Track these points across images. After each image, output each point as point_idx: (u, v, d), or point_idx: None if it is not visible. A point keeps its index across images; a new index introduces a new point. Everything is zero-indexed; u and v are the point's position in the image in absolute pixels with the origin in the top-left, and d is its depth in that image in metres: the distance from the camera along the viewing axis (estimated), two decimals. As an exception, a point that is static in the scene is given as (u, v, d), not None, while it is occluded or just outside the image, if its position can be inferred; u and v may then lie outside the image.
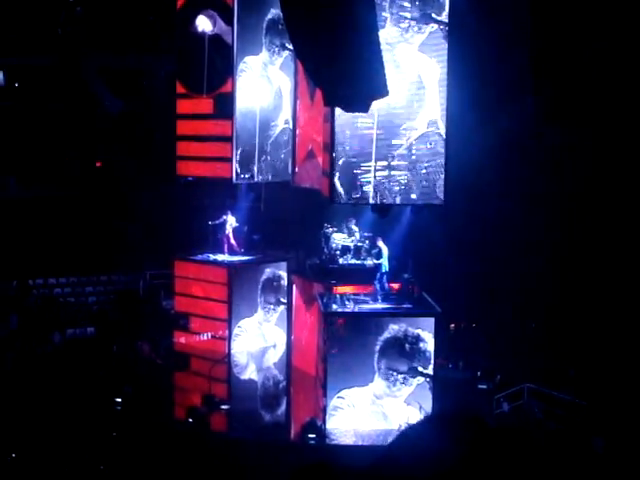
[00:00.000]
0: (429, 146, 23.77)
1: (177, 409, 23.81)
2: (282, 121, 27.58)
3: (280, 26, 26.39)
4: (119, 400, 22.81)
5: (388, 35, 22.32)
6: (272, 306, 27.76)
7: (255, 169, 27.23)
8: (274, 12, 26.63)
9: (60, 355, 26.85)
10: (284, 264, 28.13)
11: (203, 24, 26.51)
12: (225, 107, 26.75)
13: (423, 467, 3.18)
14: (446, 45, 23.08)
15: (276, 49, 27.20)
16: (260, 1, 26.64)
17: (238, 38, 26.49)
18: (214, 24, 26.50)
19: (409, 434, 3.45)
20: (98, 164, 33.57)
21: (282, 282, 27.91)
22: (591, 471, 18.84)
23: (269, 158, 27.45)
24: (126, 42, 30.76)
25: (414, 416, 21.23)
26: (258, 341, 27.59)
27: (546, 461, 3.24)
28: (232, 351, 26.90)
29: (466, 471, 3.10)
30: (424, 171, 23.48)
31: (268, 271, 27.90)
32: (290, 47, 25.98)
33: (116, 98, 31.23)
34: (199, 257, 28.03)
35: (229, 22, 26.47)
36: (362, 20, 8.20)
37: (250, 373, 26.94)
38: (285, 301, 27.64)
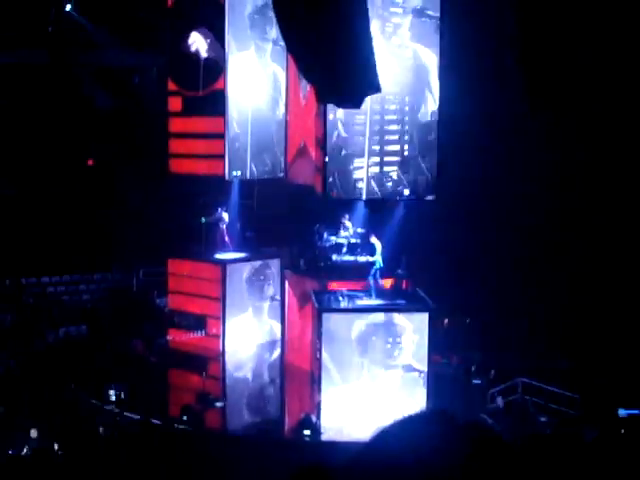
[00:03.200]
0: (422, 141, 23.82)
1: (171, 407, 23.78)
2: (279, 114, 27.38)
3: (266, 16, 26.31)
4: (113, 398, 22.79)
5: (380, 27, 22.33)
6: (258, 302, 27.57)
7: (248, 166, 27.19)
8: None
9: (54, 353, 26.81)
10: (276, 261, 28.03)
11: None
12: (218, 104, 26.73)
13: (419, 464, 3.16)
14: (438, 36, 23.13)
15: (263, 42, 27.05)
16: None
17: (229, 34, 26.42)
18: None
19: (407, 427, 3.43)
20: (90, 162, 33.50)
21: (268, 274, 27.64)
22: (582, 464, 18.86)
23: (265, 155, 27.39)
24: (117, 39, 30.69)
25: (409, 410, 21.21)
26: (252, 338, 27.54)
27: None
28: (226, 348, 26.87)
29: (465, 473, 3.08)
30: (417, 166, 23.53)
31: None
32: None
33: (106, 95, 31.17)
34: (192, 254, 27.98)
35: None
36: (353, 15, 8.18)
37: (244, 370, 26.91)
38: (272, 295, 27.43)
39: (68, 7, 29.40)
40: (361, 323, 22.37)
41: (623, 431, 19.83)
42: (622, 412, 20.47)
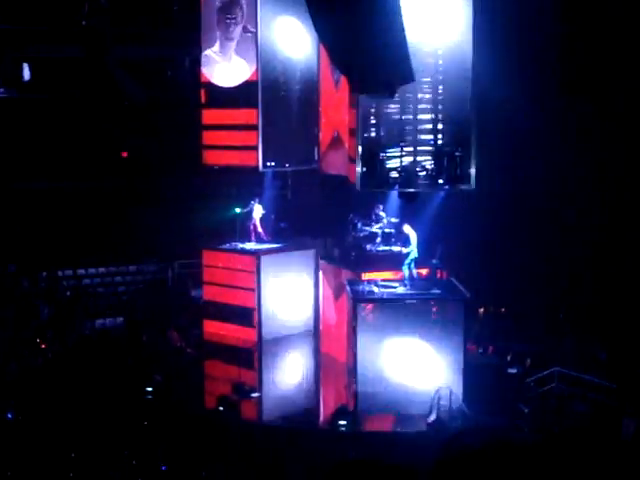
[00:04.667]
0: (456, 130, 23.75)
1: (207, 398, 23.87)
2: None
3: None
4: (150, 389, 22.91)
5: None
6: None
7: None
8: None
9: (90, 345, 26.98)
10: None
11: None
12: (250, 96, 26.90)
13: None
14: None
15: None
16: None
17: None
18: None
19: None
20: (124, 154, 33.64)
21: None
22: (619, 456, 18.76)
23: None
24: (150, 32, 30.79)
25: (443, 401, 21.20)
26: (288, 327, 27.59)
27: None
28: (262, 338, 26.96)
29: None
30: (451, 156, 23.45)
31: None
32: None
33: (139, 88, 31.26)
34: (227, 246, 28.07)
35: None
36: (386, 5, 8.15)
37: (280, 359, 26.98)
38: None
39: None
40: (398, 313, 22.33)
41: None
42: None
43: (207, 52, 27.80)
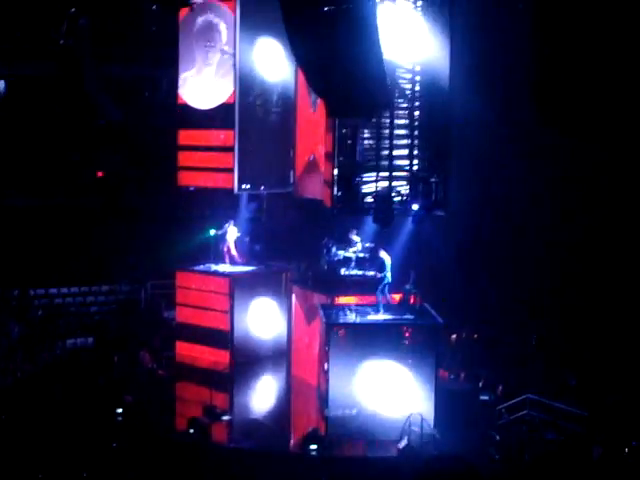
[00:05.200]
0: (431, 156, 23.86)
1: (178, 420, 23.74)
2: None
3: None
4: (120, 410, 22.75)
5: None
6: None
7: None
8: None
9: (61, 365, 26.79)
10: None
11: None
12: (227, 117, 26.95)
13: None
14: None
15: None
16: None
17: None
18: None
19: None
20: (100, 174, 33.53)
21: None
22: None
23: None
24: (128, 52, 30.77)
25: (415, 426, 21.19)
26: (260, 350, 27.55)
27: None
28: (234, 360, 26.88)
29: None
30: (426, 182, 23.55)
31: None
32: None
33: (116, 108, 31.22)
34: (201, 267, 28.01)
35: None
36: (364, 30, 8.18)
37: (252, 383, 26.88)
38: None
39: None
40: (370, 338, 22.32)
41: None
42: None
43: (184, 74, 27.86)
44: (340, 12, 8.07)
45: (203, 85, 27.51)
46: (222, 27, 27.02)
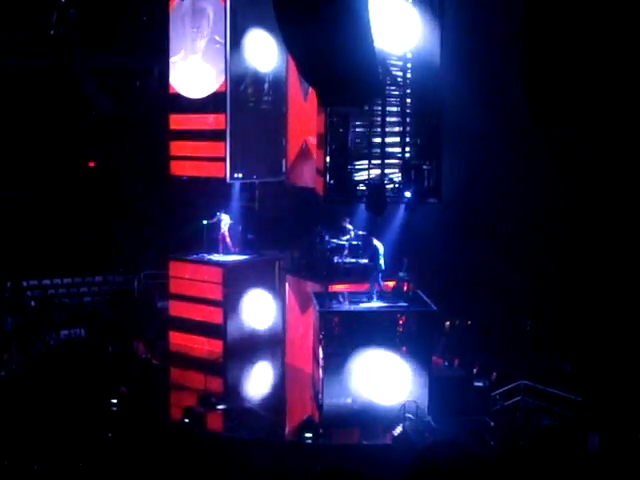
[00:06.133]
0: (424, 144, 23.87)
1: (173, 409, 23.75)
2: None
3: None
4: (115, 401, 22.76)
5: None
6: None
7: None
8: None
9: (55, 356, 26.78)
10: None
11: None
12: (218, 106, 26.91)
13: None
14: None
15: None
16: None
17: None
18: None
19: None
20: (91, 164, 33.49)
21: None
22: (585, 469, 18.86)
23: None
24: (119, 42, 30.72)
25: (411, 413, 21.22)
26: (254, 339, 27.58)
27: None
28: (228, 349, 26.91)
29: None
30: (418, 169, 23.56)
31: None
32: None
33: (107, 98, 31.17)
34: (194, 257, 28.00)
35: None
36: (355, 18, 8.17)
37: (247, 372, 26.90)
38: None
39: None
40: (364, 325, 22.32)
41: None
42: None
43: (173, 58, 27.74)
44: (331, 0, 8.06)
45: (190, 71, 27.42)
46: (210, 13, 26.94)
